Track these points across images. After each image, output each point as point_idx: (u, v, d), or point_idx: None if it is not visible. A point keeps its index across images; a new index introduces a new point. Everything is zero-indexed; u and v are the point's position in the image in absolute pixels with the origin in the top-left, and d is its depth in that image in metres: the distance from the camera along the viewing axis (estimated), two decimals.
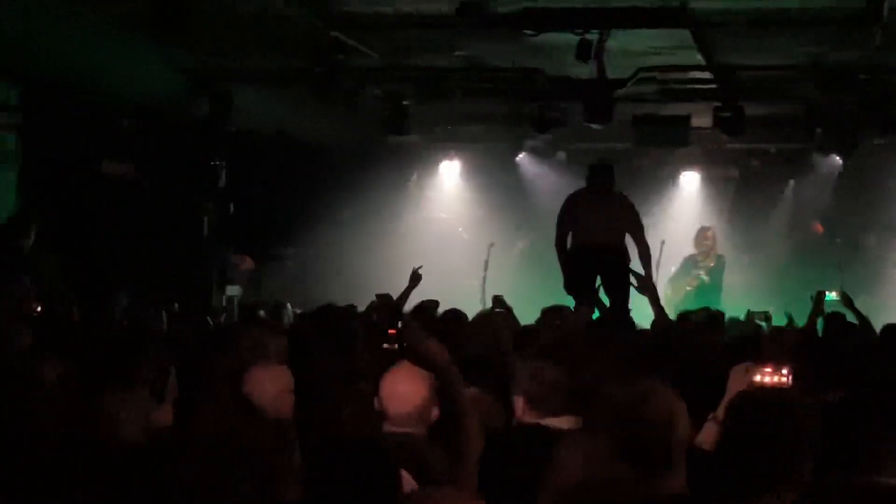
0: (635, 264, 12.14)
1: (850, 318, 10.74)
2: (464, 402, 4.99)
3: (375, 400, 5.49)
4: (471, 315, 10.16)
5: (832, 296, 11.33)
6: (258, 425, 4.40)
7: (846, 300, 11.30)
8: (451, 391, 4.98)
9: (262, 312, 12.59)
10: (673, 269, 17.74)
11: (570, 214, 12.38)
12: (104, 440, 4.98)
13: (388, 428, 5.39)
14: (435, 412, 5.44)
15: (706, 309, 12.24)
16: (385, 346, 5.49)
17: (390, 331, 5.43)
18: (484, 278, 17.97)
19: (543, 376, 5.63)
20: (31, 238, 12.55)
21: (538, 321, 10.38)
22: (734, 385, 5.50)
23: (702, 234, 18.10)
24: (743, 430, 4.12)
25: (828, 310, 10.81)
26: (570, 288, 11.75)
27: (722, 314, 11.87)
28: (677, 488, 4.46)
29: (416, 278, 11.62)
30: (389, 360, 6.98)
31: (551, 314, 10.22)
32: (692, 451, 4.83)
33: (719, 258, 17.94)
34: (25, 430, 4.75)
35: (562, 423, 5.40)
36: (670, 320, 10.22)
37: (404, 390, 5.40)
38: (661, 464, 4.54)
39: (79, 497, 4.21)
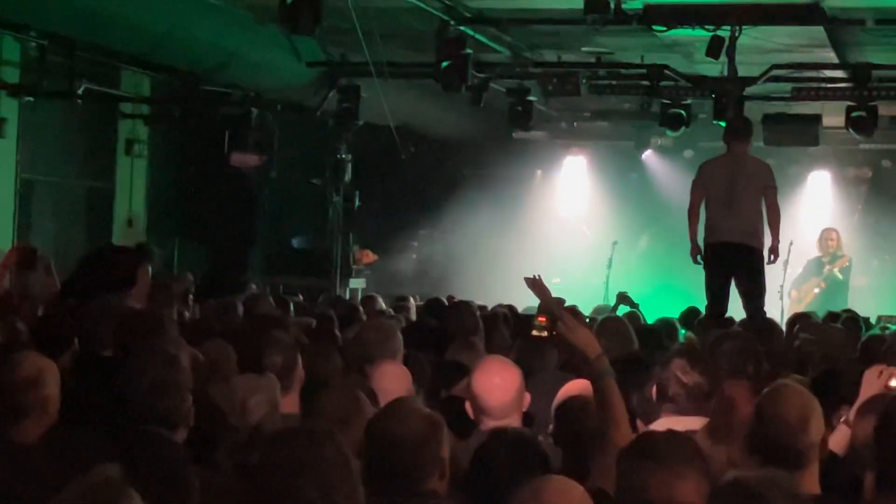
0: None
1: None
2: (615, 394, 4.89)
3: (468, 401, 5.48)
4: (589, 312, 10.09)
5: None
6: (409, 417, 4.37)
7: None
8: (602, 382, 4.89)
9: (384, 305, 12.65)
10: (800, 271, 17.44)
11: (703, 184, 11.79)
12: (234, 425, 5.03)
13: (486, 423, 5.37)
14: (526, 399, 5.47)
15: (849, 311, 11.97)
16: (534, 333, 5.44)
17: (539, 318, 5.38)
18: (607, 276, 17.87)
19: (681, 378, 5.51)
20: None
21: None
22: (867, 388, 5.38)
23: (826, 235, 17.78)
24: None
25: None
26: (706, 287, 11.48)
27: (863, 319, 11.55)
28: (809, 488, 4.38)
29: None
30: (539, 348, 7.00)
31: None
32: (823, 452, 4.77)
33: (846, 259, 17.63)
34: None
35: (691, 423, 5.32)
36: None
37: (500, 381, 5.42)
38: (793, 463, 4.47)
39: (210, 479, 4.25)
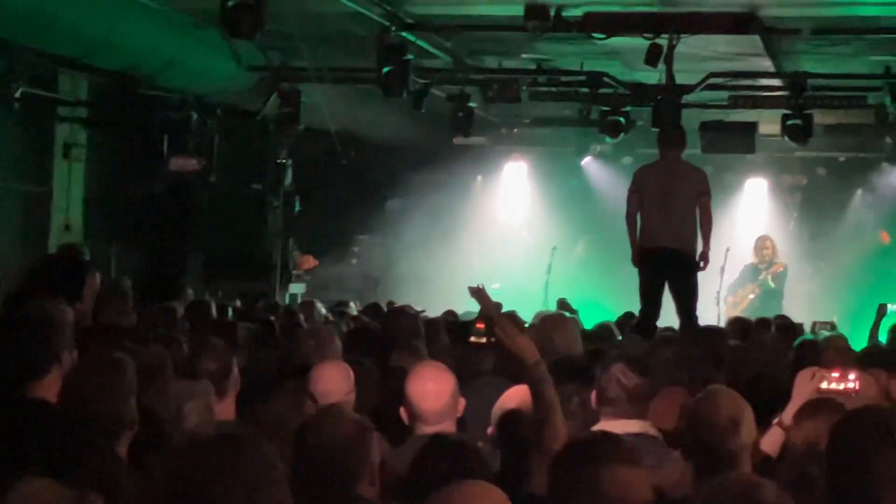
0: None
1: None
2: (553, 399, 4.92)
3: (403, 407, 5.49)
4: (528, 318, 10.12)
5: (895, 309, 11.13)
6: (338, 422, 4.37)
7: None
8: (540, 387, 4.92)
9: (324, 310, 12.64)
10: (736, 276, 17.61)
11: (638, 191, 11.84)
12: (170, 431, 5.01)
13: (421, 428, 5.39)
14: (461, 405, 5.49)
15: (782, 317, 12.07)
16: (472, 339, 5.47)
17: (478, 324, 5.41)
18: (546, 282, 17.96)
19: (621, 380, 5.55)
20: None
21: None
22: (799, 391, 5.46)
23: (760, 243, 18.01)
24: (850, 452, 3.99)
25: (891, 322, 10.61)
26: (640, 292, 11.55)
27: (797, 325, 11.63)
28: None
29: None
30: (477, 353, 7.03)
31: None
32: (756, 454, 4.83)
33: (780, 265, 17.83)
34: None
35: (631, 426, 5.37)
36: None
37: (435, 387, 5.43)
38: (725, 464, 4.52)
39: (144, 485, 4.23)
